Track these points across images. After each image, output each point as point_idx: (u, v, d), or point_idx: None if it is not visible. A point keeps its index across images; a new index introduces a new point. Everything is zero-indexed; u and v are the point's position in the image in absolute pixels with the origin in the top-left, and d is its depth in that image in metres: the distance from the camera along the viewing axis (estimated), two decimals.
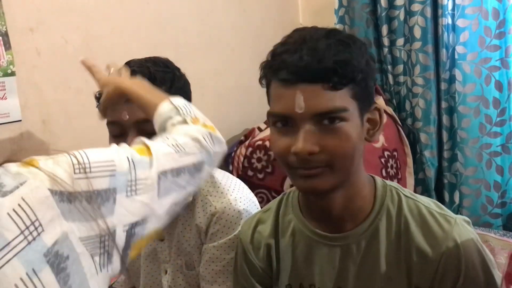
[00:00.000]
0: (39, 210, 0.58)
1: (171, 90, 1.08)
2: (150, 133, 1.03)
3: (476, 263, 0.83)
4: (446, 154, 1.97)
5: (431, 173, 1.98)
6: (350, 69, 0.78)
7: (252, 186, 1.90)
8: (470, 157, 1.91)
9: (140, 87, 0.96)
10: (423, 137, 1.99)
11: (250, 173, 1.85)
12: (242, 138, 1.96)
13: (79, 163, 0.65)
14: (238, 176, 1.87)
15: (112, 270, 0.66)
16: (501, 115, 1.83)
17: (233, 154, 1.91)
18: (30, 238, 0.56)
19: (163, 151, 0.77)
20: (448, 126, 1.95)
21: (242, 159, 1.86)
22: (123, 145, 0.75)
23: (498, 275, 0.85)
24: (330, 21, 2.09)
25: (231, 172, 1.88)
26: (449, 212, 0.87)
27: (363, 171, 0.89)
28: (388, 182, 0.92)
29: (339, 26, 2.09)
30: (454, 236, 0.83)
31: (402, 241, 0.86)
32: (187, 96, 1.12)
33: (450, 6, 1.85)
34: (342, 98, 0.78)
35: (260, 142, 1.82)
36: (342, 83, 0.78)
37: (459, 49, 1.87)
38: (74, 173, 0.64)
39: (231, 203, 1.07)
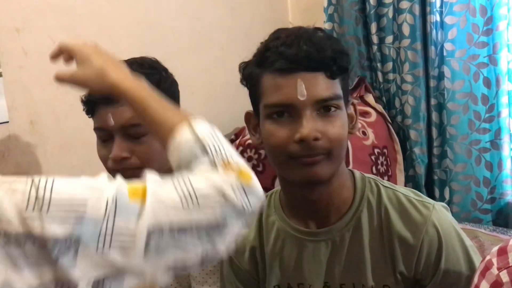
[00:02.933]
0: None
1: (158, 92, 1.07)
2: (139, 137, 1.03)
3: (456, 247, 0.86)
4: (435, 151, 1.98)
5: (421, 169, 1.99)
6: (346, 59, 0.82)
7: None
8: (459, 153, 1.92)
9: (148, 94, 0.74)
10: (412, 134, 2.00)
11: None
12: (233, 137, 1.96)
13: (37, 197, 0.53)
14: None
15: None
16: (490, 111, 1.84)
17: None
18: None
19: (165, 199, 0.59)
20: (437, 123, 1.96)
21: None
22: (117, 180, 0.60)
23: (478, 258, 0.86)
24: (319, 19, 2.09)
25: None
26: (427, 199, 0.90)
27: (344, 164, 0.92)
28: (366, 174, 0.94)
29: (328, 24, 2.09)
30: (433, 221, 0.86)
31: (384, 230, 0.88)
32: (175, 96, 1.11)
33: (438, 4, 1.86)
34: (337, 87, 0.82)
35: (250, 141, 1.82)
36: (339, 72, 0.82)
37: (448, 46, 1.88)
38: (26, 209, 0.52)
39: None
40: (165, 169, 1.10)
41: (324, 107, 0.81)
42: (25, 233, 0.52)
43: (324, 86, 0.80)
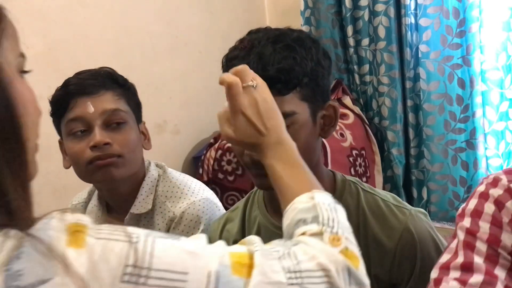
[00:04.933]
0: None
1: (129, 93, 1.09)
2: (119, 124, 1.03)
3: (431, 252, 0.87)
4: (413, 151, 2.00)
5: (399, 170, 2.01)
6: (293, 75, 0.80)
7: (223, 189, 1.90)
8: (436, 153, 1.94)
9: (295, 161, 0.69)
10: (390, 135, 2.02)
11: (220, 175, 1.84)
12: (212, 140, 1.95)
13: (135, 263, 0.47)
14: (209, 179, 1.86)
15: None
16: (465, 112, 1.87)
17: (202, 157, 1.89)
18: None
19: (272, 276, 0.53)
20: (414, 124, 1.98)
21: (212, 162, 1.85)
22: (218, 245, 0.55)
23: None
24: (296, 22, 2.10)
25: (201, 176, 1.87)
26: (405, 205, 0.92)
27: (323, 166, 0.93)
28: (348, 177, 0.95)
29: (305, 27, 2.10)
30: (409, 226, 0.87)
31: (361, 233, 0.89)
32: (134, 99, 1.12)
33: (412, 6, 1.89)
34: (290, 102, 0.81)
35: (229, 145, 1.82)
36: (287, 89, 0.81)
37: (423, 47, 1.90)
38: (121, 281, 0.46)
39: (189, 207, 1.05)
40: (140, 160, 1.10)
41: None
42: None
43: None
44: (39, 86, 1.49)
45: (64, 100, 1.04)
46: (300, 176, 0.68)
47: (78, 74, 1.09)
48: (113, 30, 1.69)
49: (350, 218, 0.88)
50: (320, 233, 0.60)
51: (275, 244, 0.60)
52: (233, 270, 0.52)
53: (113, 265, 0.46)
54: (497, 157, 1.88)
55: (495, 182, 0.78)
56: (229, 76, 0.69)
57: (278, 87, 0.79)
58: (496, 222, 0.74)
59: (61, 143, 1.11)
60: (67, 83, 1.07)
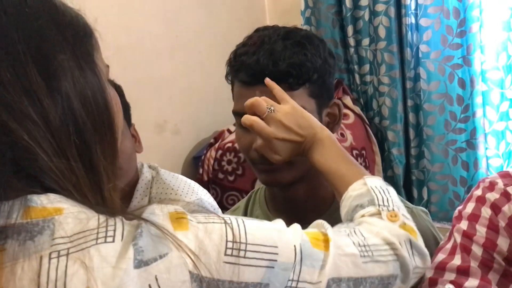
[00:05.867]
0: None
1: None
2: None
3: (432, 250, 0.87)
4: (413, 151, 2.00)
5: (399, 170, 2.01)
6: (304, 70, 0.82)
7: (223, 189, 1.90)
8: (436, 153, 1.94)
9: (339, 153, 0.75)
10: (390, 135, 2.02)
11: (220, 175, 1.84)
12: (212, 140, 1.95)
13: (234, 239, 0.52)
14: (209, 179, 1.86)
15: None
16: (465, 112, 1.87)
17: (203, 157, 1.89)
18: None
19: (346, 249, 0.59)
20: (414, 124, 1.98)
21: (212, 162, 1.85)
22: (294, 226, 0.59)
23: None
24: (296, 22, 2.09)
25: (201, 176, 1.87)
26: (406, 203, 0.92)
27: None
28: None
29: (305, 27, 2.10)
30: None
31: None
32: (123, 103, 1.10)
33: (413, 6, 1.89)
34: (299, 97, 0.82)
35: (230, 144, 1.82)
36: (297, 84, 0.82)
37: (423, 47, 1.90)
38: (225, 254, 0.51)
39: None
40: (135, 167, 1.09)
41: None
42: (219, 279, 0.50)
43: None
44: None
45: None
46: (347, 166, 0.73)
47: None
48: (113, 30, 1.69)
49: None
50: (378, 213, 0.65)
51: (339, 227, 0.65)
52: (312, 244, 0.57)
53: (216, 241, 0.51)
54: (498, 157, 1.88)
55: (491, 186, 0.78)
56: (247, 118, 0.74)
57: (290, 81, 0.81)
58: (492, 226, 0.74)
59: None
60: None
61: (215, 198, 1.27)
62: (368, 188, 0.68)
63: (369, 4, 1.98)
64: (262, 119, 0.74)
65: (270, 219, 0.93)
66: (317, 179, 0.90)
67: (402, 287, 0.63)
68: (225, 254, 0.51)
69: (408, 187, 2.05)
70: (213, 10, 2.09)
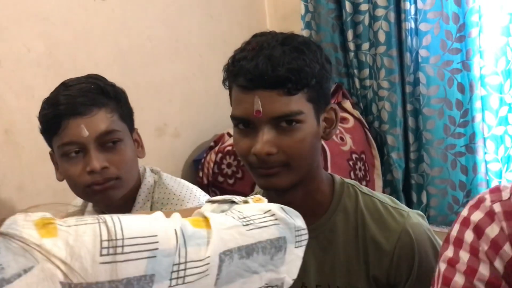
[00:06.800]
0: None
1: (121, 104, 1.06)
2: (115, 143, 1.01)
3: (429, 253, 0.89)
4: (412, 156, 2.01)
5: (398, 174, 2.02)
6: (303, 75, 0.82)
7: (223, 192, 1.90)
8: (435, 157, 1.95)
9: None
10: (389, 139, 2.02)
11: (220, 179, 1.84)
12: (212, 144, 1.95)
13: (109, 238, 0.50)
14: (209, 182, 1.87)
15: None
16: (464, 116, 1.88)
17: (203, 160, 1.89)
18: None
19: (227, 223, 0.59)
20: (413, 128, 1.99)
21: (212, 165, 1.85)
22: (174, 216, 0.58)
23: None
24: (297, 27, 2.11)
25: (201, 179, 1.87)
26: (402, 207, 0.94)
27: (322, 170, 0.94)
28: (347, 180, 0.97)
29: (305, 32, 2.11)
30: (406, 228, 0.89)
31: (359, 235, 0.91)
32: (127, 109, 1.09)
33: (412, 11, 1.90)
34: (297, 102, 0.83)
35: (229, 148, 1.82)
36: (296, 89, 0.83)
37: (422, 52, 1.91)
38: (100, 254, 0.49)
39: None
40: (137, 174, 1.10)
41: (286, 121, 0.83)
42: (96, 282, 0.48)
43: (280, 103, 0.82)
44: (40, 88, 1.51)
45: (54, 121, 1.00)
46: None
47: (65, 88, 1.02)
48: (114, 34, 1.70)
49: (348, 220, 0.91)
50: (245, 201, 0.66)
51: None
52: (193, 225, 0.56)
53: (89, 243, 0.49)
54: (496, 162, 1.88)
55: (478, 204, 0.78)
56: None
57: (288, 86, 0.82)
58: (474, 252, 0.75)
59: (52, 155, 1.08)
60: (56, 102, 1.00)
61: None
62: (216, 200, 0.68)
63: (369, 9, 1.99)
64: None
65: None
66: (314, 184, 0.91)
67: (295, 250, 0.64)
68: (101, 255, 0.49)
69: (407, 191, 2.05)
70: (213, 14, 2.10)
